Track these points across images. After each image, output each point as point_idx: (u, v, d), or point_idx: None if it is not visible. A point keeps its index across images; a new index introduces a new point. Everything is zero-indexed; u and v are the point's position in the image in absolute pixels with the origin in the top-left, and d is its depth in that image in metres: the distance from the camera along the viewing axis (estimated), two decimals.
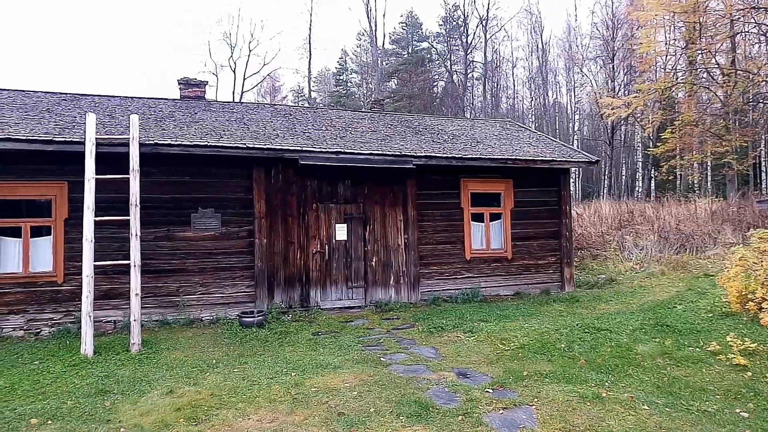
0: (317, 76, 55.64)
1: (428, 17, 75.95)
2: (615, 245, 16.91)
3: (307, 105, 42.89)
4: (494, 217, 12.85)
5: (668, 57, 30.68)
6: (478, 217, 12.67)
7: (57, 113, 10.60)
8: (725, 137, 24.81)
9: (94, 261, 8.18)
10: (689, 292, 11.36)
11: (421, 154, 11.52)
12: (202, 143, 10.00)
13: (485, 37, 44.79)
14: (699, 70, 27.01)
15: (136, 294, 8.27)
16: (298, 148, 10.72)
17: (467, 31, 45.54)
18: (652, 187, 32.90)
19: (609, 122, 33.73)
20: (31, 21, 62.85)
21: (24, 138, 8.94)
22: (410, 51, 49.37)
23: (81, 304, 8.14)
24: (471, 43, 45.30)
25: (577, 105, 45.13)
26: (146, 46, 63.95)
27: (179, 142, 9.85)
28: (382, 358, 7.48)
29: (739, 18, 23.50)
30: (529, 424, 5.08)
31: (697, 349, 7.22)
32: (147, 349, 8.07)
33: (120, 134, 9.63)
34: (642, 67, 31.49)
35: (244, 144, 10.34)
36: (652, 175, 33.14)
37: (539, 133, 16.74)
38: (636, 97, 27.46)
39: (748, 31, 26.05)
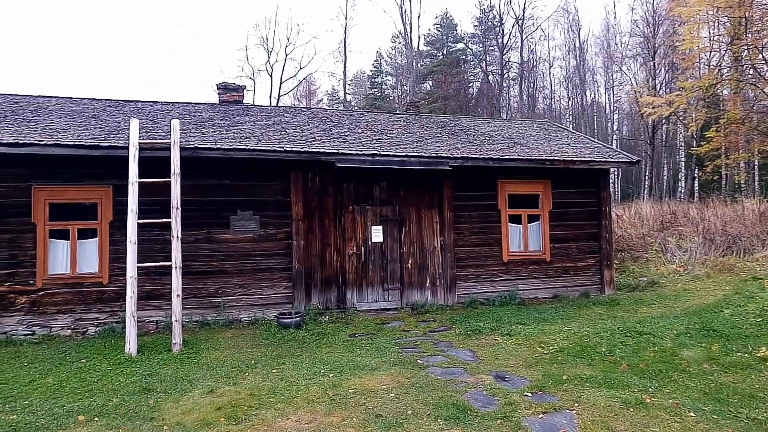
0: (352, 79, 56.01)
1: (463, 18, 75.86)
2: (657, 247, 16.46)
3: (342, 108, 43.19)
4: (532, 218, 12.68)
5: (712, 53, 29.74)
6: (515, 219, 12.52)
7: (102, 119, 10.93)
8: None
9: (137, 262, 8.42)
10: (737, 295, 10.96)
11: (458, 156, 11.46)
12: (240, 147, 10.17)
13: (521, 36, 44.25)
14: (745, 66, 26.10)
15: (178, 295, 8.46)
16: (335, 151, 10.79)
17: (503, 31, 45.07)
18: (696, 188, 31.91)
19: (650, 121, 32.89)
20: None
21: (72, 143, 9.26)
22: (445, 52, 49.17)
23: (125, 304, 8.38)
24: (507, 43, 44.83)
25: (616, 104, 44.16)
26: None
27: (219, 146, 10.04)
28: (418, 361, 7.46)
29: None
30: (570, 429, 4.98)
31: (746, 355, 6.98)
32: (188, 349, 8.24)
33: (161, 139, 9.88)
34: (685, 65, 30.59)
35: (282, 147, 10.47)
36: (696, 175, 32.15)
37: (577, 133, 16.46)
38: (678, 95, 26.70)
39: None
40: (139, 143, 9.06)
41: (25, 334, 9.27)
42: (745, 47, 24.54)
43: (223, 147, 10.06)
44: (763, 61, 24.69)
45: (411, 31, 45.34)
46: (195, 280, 10.17)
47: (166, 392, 6.26)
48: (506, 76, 45.79)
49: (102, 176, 9.82)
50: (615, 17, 52.31)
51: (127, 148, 9.08)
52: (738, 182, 30.20)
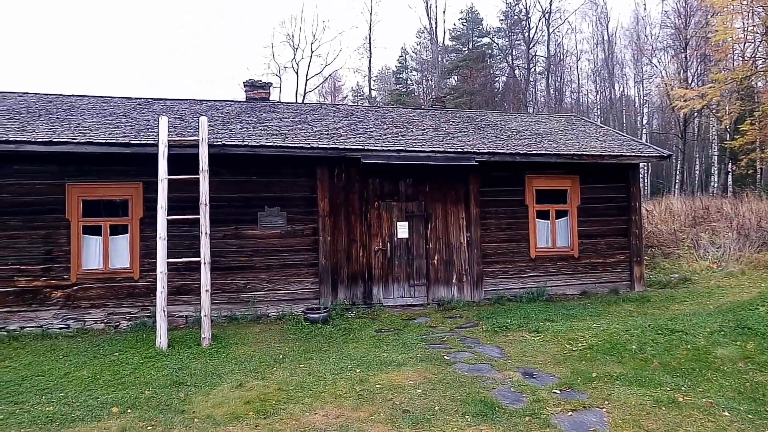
0: (377, 75, 55.95)
1: (489, 12, 75.13)
2: (689, 243, 16.14)
3: (367, 104, 43.23)
4: (560, 214, 12.52)
5: (746, 44, 28.91)
6: (543, 215, 12.38)
7: (132, 117, 11.13)
8: None
9: (167, 258, 8.56)
10: None
11: (484, 151, 11.37)
12: (268, 144, 10.25)
13: (548, 30, 43.68)
14: None
15: (206, 290, 8.57)
16: (361, 147, 10.81)
17: (529, 25, 44.55)
18: (729, 182, 31.16)
19: (681, 115, 32.17)
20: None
21: (104, 141, 9.45)
22: (471, 47, 48.82)
23: (155, 299, 8.54)
24: (533, 37, 44.30)
25: (645, 98, 43.33)
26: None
27: (246, 143, 10.14)
28: (445, 357, 7.44)
29: None
30: (600, 427, 4.92)
31: None
32: (217, 344, 8.35)
33: (190, 136, 10.01)
34: (717, 56, 29.84)
35: (308, 144, 10.53)
36: (729, 170, 31.39)
37: (606, 127, 16.19)
38: (711, 87, 26.07)
39: None
40: (168, 140, 9.20)
41: (60, 328, 9.50)
42: None
43: (250, 144, 10.15)
44: None
45: (436, 26, 45.13)
46: (223, 275, 10.29)
47: (196, 386, 6.36)
48: (533, 70, 45.28)
49: (133, 173, 10.00)
50: (645, 9, 51.40)
51: (156, 145, 9.24)
52: None
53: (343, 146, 10.75)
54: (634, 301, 11.16)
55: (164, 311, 8.28)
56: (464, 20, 49.50)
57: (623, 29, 52.79)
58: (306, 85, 42.97)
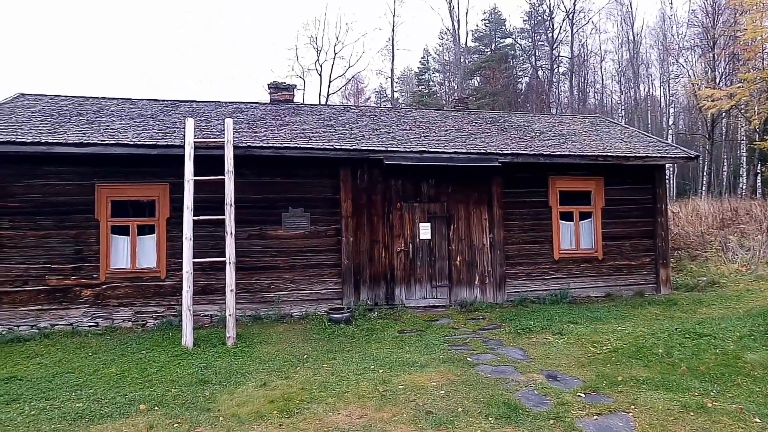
0: (400, 76, 55.95)
1: (512, 13, 74.44)
2: (717, 246, 15.82)
3: (390, 105, 43.27)
4: (584, 215, 12.39)
5: None
6: (566, 216, 12.27)
7: (159, 119, 11.32)
8: None
9: (193, 258, 8.68)
10: None
11: (507, 152, 11.32)
12: (292, 145, 10.35)
13: (572, 30, 43.20)
14: None
15: (231, 290, 8.68)
16: (383, 149, 10.84)
17: (553, 25, 44.14)
18: (758, 184, 30.48)
19: (708, 115, 31.55)
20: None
21: (132, 143, 9.63)
22: (493, 48, 48.54)
23: (181, 298, 8.67)
24: (557, 37, 43.90)
25: (672, 98, 42.57)
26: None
27: (271, 145, 10.25)
28: (468, 358, 7.42)
29: None
30: None
31: None
32: (241, 343, 8.45)
33: (215, 137, 10.14)
34: (746, 55, 29.20)
35: (332, 145, 10.60)
36: (759, 171, 30.69)
37: (631, 128, 15.97)
38: (740, 87, 25.53)
39: None
40: (195, 142, 9.34)
41: (90, 326, 9.70)
42: None
43: (275, 145, 10.26)
44: None
45: (459, 27, 45.04)
46: (248, 275, 10.40)
47: (221, 384, 6.44)
48: (556, 70, 44.87)
49: (160, 174, 10.16)
50: (671, 8, 50.32)
51: (183, 146, 9.39)
52: None
53: (365, 147, 10.79)
54: (660, 304, 10.99)
55: (190, 310, 8.41)
56: (487, 21, 49.25)
57: (649, 28, 52.05)
58: (329, 86, 43.19)
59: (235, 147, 9.65)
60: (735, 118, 33.68)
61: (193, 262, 8.69)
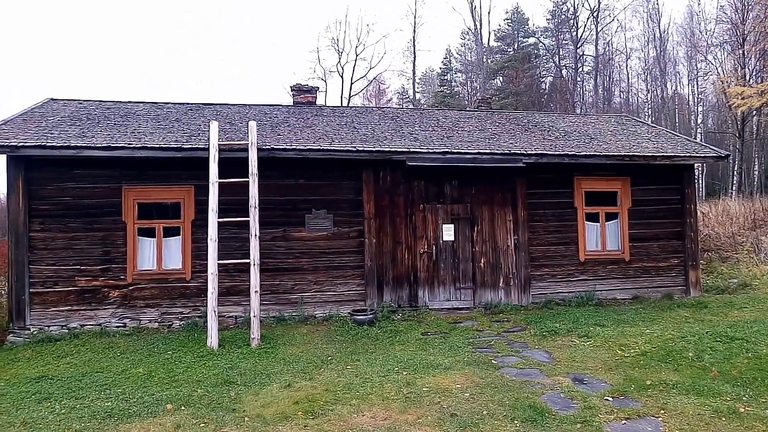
0: (421, 77, 55.87)
1: (535, 12, 73.91)
2: (748, 247, 15.46)
3: (412, 107, 43.20)
4: (610, 216, 12.20)
5: None
6: (592, 217, 12.10)
7: (184, 122, 11.46)
8: None
9: (218, 260, 8.77)
10: None
11: (532, 152, 11.21)
12: (315, 147, 10.39)
13: (596, 28, 42.69)
14: None
15: (256, 291, 8.74)
16: (406, 150, 10.82)
17: (577, 24, 43.67)
18: None
19: (738, 113, 30.85)
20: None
21: (157, 146, 9.78)
22: (516, 47, 48.22)
23: (206, 299, 8.77)
24: (581, 36, 43.39)
25: (700, 96, 41.75)
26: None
27: (294, 147, 10.30)
28: (493, 361, 7.36)
29: None
30: None
31: None
32: (265, 344, 8.50)
33: (239, 140, 10.23)
34: None
35: (354, 147, 10.62)
36: None
37: (658, 127, 15.70)
38: None
39: None
40: (219, 145, 9.43)
41: (117, 326, 9.86)
42: None
43: (298, 147, 10.31)
44: None
45: (481, 27, 44.73)
46: (272, 276, 10.46)
47: (246, 385, 6.48)
48: (580, 70, 44.34)
49: (185, 177, 10.29)
50: (699, 4, 49.46)
51: (207, 149, 9.49)
52: None
53: (388, 149, 10.79)
54: (690, 307, 10.76)
55: (215, 312, 8.49)
56: (510, 20, 48.93)
57: (676, 25, 51.15)
58: (351, 88, 43.34)
59: (259, 149, 9.73)
60: (766, 116, 32.89)
61: (218, 264, 8.78)
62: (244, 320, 10.02)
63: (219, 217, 8.96)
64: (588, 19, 43.20)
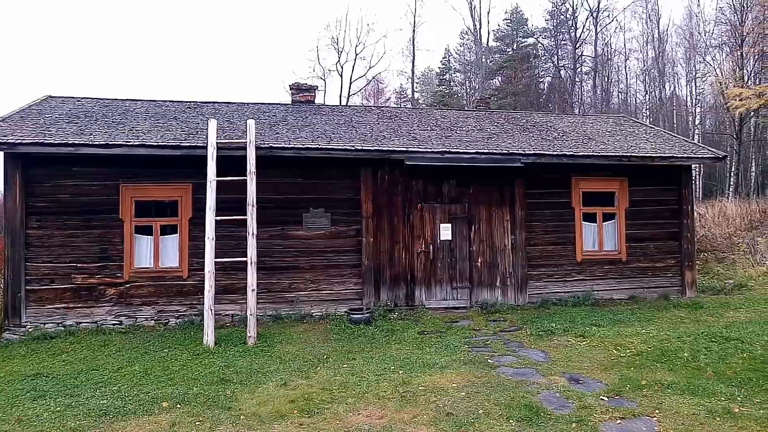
0: (420, 77, 55.77)
1: (534, 12, 73.80)
2: (744, 248, 15.51)
3: (411, 106, 43.15)
4: (607, 217, 12.22)
5: None
6: (589, 217, 12.11)
7: (183, 120, 11.44)
8: None
9: (215, 258, 8.76)
10: None
11: (530, 152, 11.21)
12: (313, 146, 10.39)
13: (595, 29, 42.65)
14: None
15: (252, 290, 8.74)
16: (404, 149, 10.82)
17: (576, 24, 43.59)
18: None
19: (736, 114, 30.88)
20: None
21: (155, 144, 9.77)
22: (515, 48, 48.17)
23: (203, 297, 8.75)
24: (580, 36, 43.37)
25: (698, 97, 41.79)
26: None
27: (292, 145, 10.30)
28: (489, 360, 7.37)
29: None
30: None
31: None
32: (262, 343, 8.50)
33: (237, 138, 10.23)
34: None
35: (353, 146, 10.61)
36: None
37: (656, 128, 15.73)
38: None
39: None
40: (217, 143, 9.43)
41: (114, 324, 9.85)
42: None
43: (296, 146, 10.31)
44: None
45: (480, 27, 44.69)
46: (269, 275, 10.46)
47: (242, 383, 6.48)
48: (579, 70, 44.30)
49: (182, 175, 10.28)
50: (698, 5, 49.44)
51: (205, 147, 9.48)
52: None
53: (386, 148, 10.79)
54: (686, 307, 10.79)
55: (211, 310, 8.48)
56: (509, 21, 48.89)
57: (675, 26, 51.21)
58: (350, 87, 43.26)
59: (257, 148, 9.72)
60: (764, 118, 32.96)
61: (215, 262, 8.77)
62: (240, 318, 10.02)
63: (217, 216, 8.95)
64: (587, 19, 43.16)
